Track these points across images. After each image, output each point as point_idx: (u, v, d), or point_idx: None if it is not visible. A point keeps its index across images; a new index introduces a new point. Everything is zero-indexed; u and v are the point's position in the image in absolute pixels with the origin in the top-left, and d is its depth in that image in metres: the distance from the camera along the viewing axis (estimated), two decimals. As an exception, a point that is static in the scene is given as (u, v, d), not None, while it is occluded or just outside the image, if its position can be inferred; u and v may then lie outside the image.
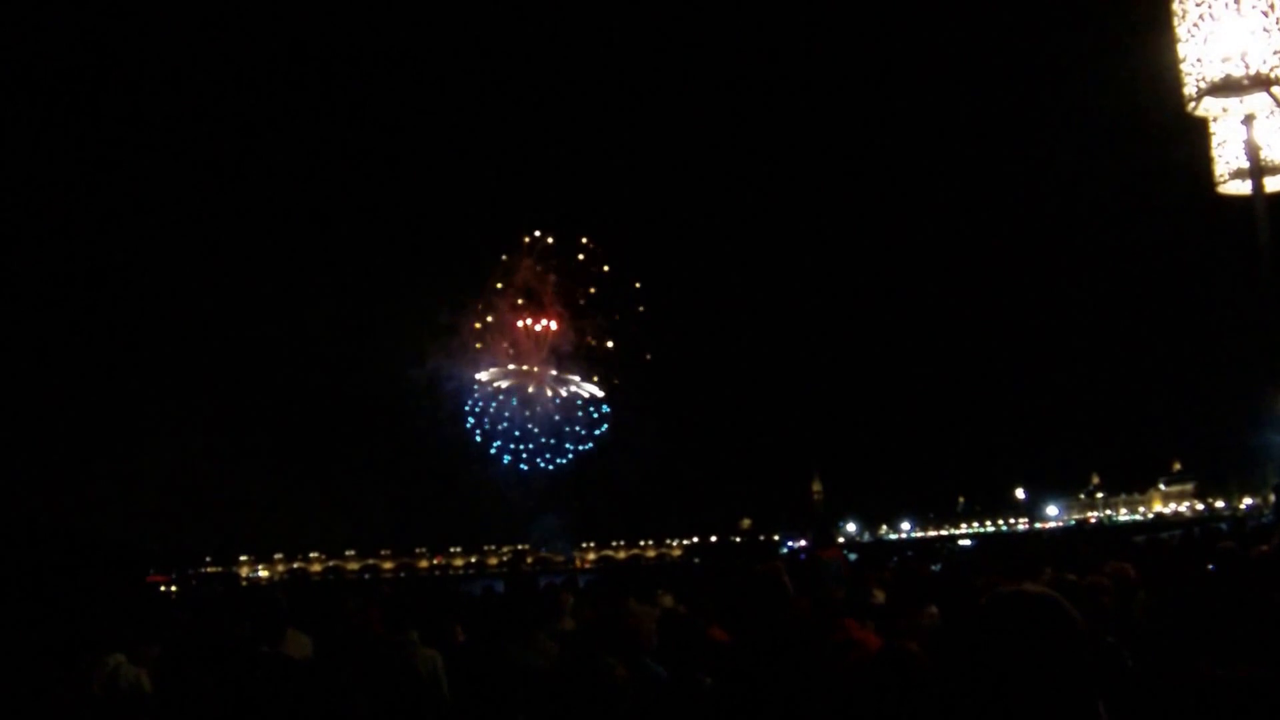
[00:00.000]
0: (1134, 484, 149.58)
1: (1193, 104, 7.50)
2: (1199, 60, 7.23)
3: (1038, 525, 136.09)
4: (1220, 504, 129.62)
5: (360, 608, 7.82)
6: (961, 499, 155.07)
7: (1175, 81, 7.61)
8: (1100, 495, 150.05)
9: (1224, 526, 24.15)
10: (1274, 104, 7.52)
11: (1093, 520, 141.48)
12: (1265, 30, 6.97)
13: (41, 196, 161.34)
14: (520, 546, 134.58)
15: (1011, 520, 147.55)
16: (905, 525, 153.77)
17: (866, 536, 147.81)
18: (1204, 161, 8.80)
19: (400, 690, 6.44)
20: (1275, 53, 7.20)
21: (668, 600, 9.54)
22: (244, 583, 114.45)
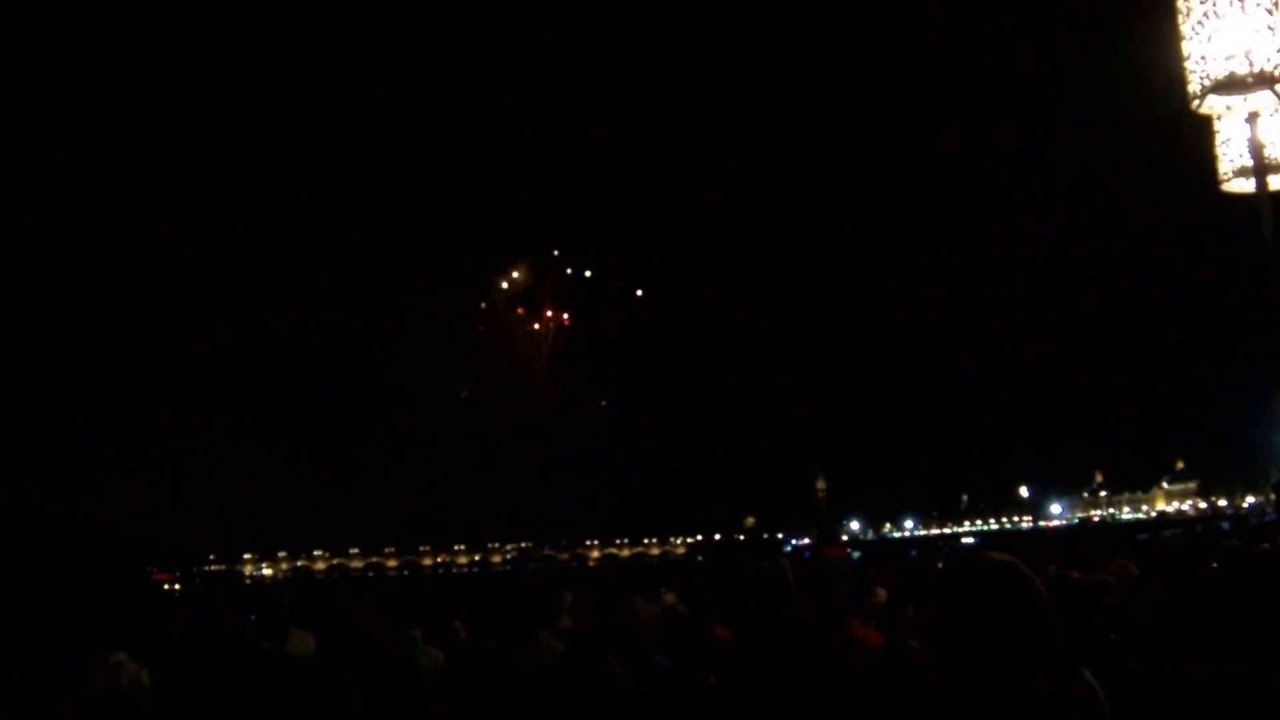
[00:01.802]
0: (1137, 482, 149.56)
1: (1196, 102, 7.48)
2: (1203, 58, 7.21)
3: (1041, 523, 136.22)
4: (1223, 502, 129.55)
5: (363, 606, 7.83)
6: (965, 497, 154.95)
7: (1179, 79, 7.60)
8: (1103, 493, 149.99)
9: (1226, 525, 24.17)
10: (1278, 102, 7.51)
11: (1096, 518, 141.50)
12: (1270, 28, 6.95)
13: (42, 191, 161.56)
14: (524, 544, 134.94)
15: (1015, 518, 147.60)
16: (909, 523, 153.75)
17: (870, 535, 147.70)
18: (1207, 159, 8.78)
19: (403, 689, 6.45)
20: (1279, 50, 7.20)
21: (670, 598, 9.55)
22: (247, 581, 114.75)
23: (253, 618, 7.34)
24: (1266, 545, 9.82)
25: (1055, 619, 2.27)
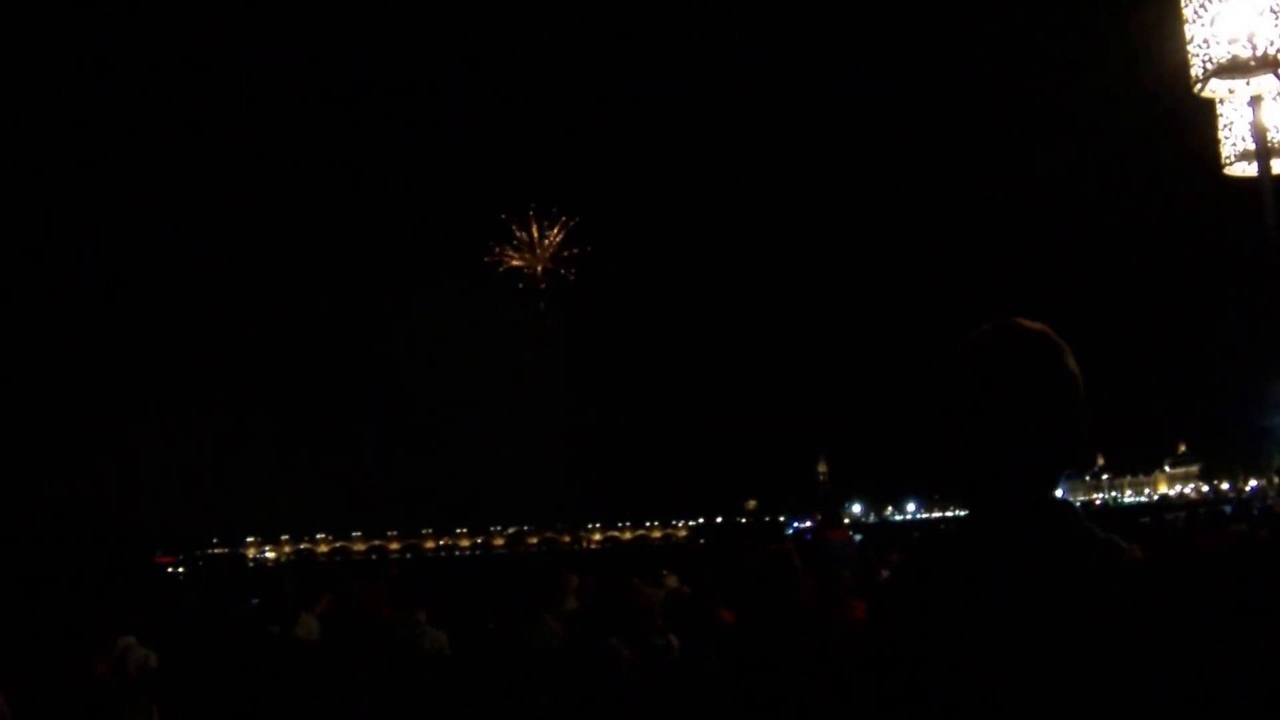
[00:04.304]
0: (1139, 465, 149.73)
1: (1199, 85, 7.48)
2: (1205, 41, 7.21)
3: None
4: (1225, 486, 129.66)
5: (366, 589, 7.86)
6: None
7: (1182, 63, 7.61)
8: (1106, 477, 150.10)
9: (1228, 508, 24.16)
10: (1281, 85, 7.52)
11: (1098, 502, 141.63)
12: (1272, 11, 6.95)
13: (44, 187, 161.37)
14: (525, 527, 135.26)
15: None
16: (910, 506, 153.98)
17: (872, 517, 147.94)
18: (1210, 143, 8.79)
19: (407, 671, 6.49)
20: (1282, 34, 7.20)
21: (672, 581, 9.59)
22: (251, 564, 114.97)
23: (255, 601, 7.38)
24: (1266, 531, 9.87)
25: (1085, 429, 1.69)
